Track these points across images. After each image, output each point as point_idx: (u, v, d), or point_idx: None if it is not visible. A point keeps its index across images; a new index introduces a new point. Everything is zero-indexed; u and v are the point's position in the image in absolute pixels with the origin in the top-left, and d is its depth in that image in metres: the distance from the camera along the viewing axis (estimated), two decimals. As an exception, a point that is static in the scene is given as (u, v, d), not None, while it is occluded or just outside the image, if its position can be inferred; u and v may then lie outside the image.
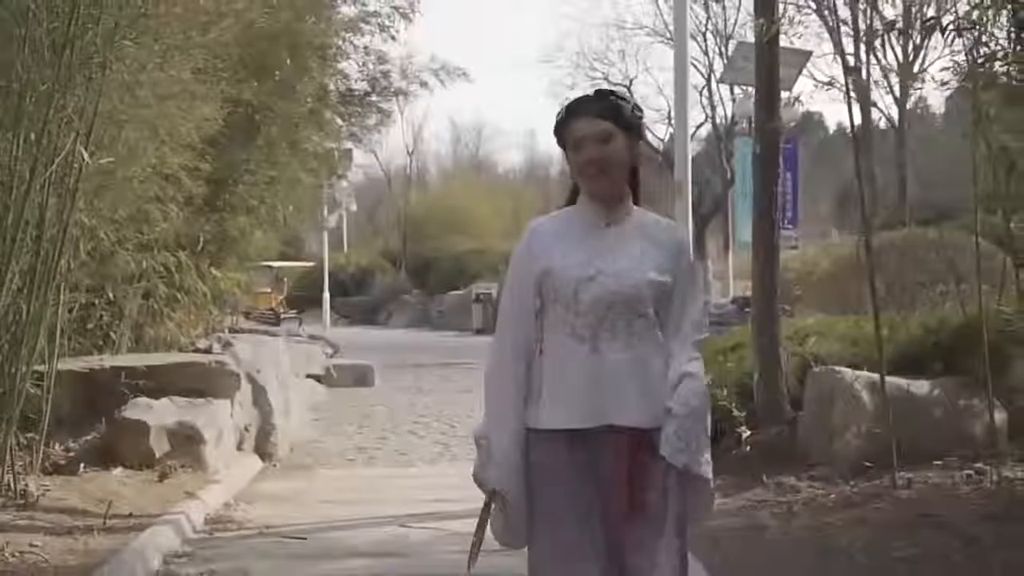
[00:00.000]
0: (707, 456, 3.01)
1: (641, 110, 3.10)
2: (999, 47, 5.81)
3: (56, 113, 4.85)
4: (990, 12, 5.35)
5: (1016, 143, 5.96)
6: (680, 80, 9.17)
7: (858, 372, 7.36)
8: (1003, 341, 7.01)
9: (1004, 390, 7.11)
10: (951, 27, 5.56)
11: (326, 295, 32.68)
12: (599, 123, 2.97)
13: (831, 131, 50.69)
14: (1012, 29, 5.66)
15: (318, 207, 19.85)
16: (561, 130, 3.05)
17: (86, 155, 5.01)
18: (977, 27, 5.43)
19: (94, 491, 6.71)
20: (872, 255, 7.19)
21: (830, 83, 27.79)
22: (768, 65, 8.16)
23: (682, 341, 3.01)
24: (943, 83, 7.64)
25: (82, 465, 7.25)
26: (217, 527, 6.58)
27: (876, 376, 7.02)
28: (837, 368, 7.54)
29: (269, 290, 30.99)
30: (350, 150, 20.29)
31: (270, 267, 28.77)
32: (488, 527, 3.08)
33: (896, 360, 7.55)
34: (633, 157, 3.04)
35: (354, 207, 37.19)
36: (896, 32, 20.33)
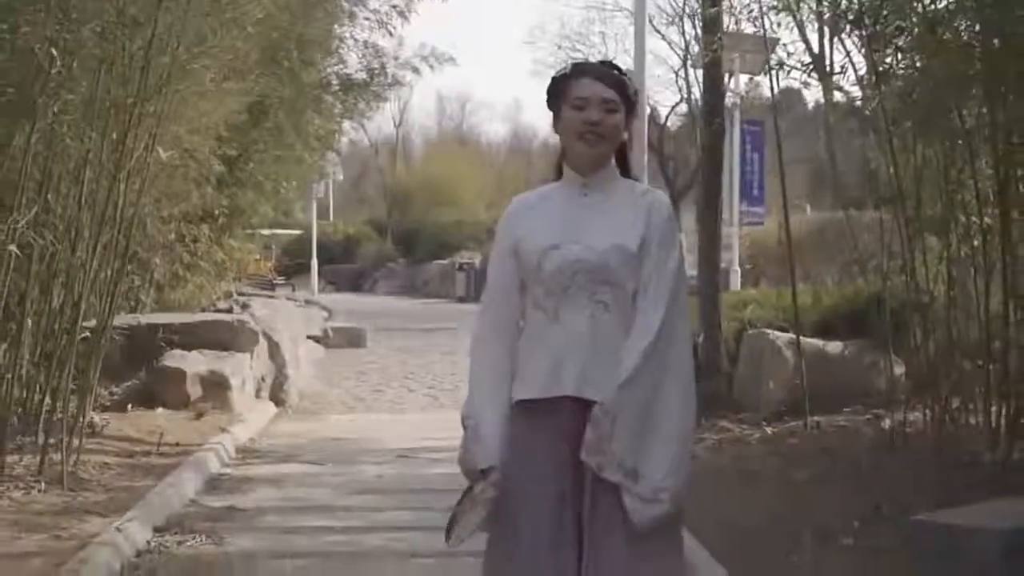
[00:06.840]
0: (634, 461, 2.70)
1: (638, 95, 2.98)
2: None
3: (135, 120, 6.15)
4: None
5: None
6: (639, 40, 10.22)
7: (782, 334, 8.80)
8: (903, 309, 8.40)
9: (903, 350, 8.51)
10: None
11: (314, 262, 33.80)
12: (608, 90, 2.84)
13: (809, 107, 51.81)
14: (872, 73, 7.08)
15: (311, 179, 20.96)
16: (560, 85, 2.88)
17: (162, 153, 6.34)
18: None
19: (144, 426, 8.09)
20: (792, 236, 8.60)
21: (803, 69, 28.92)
22: (710, 81, 9.55)
23: (650, 300, 2.78)
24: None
25: (129, 405, 8.63)
26: (247, 455, 7.96)
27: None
28: (766, 330, 8.99)
29: (258, 257, 32.03)
30: (341, 123, 21.36)
31: (261, 234, 29.77)
32: (467, 518, 2.72)
33: (817, 324, 9.05)
34: (624, 135, 2.93)
35: (340, 176, 38.15)
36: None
